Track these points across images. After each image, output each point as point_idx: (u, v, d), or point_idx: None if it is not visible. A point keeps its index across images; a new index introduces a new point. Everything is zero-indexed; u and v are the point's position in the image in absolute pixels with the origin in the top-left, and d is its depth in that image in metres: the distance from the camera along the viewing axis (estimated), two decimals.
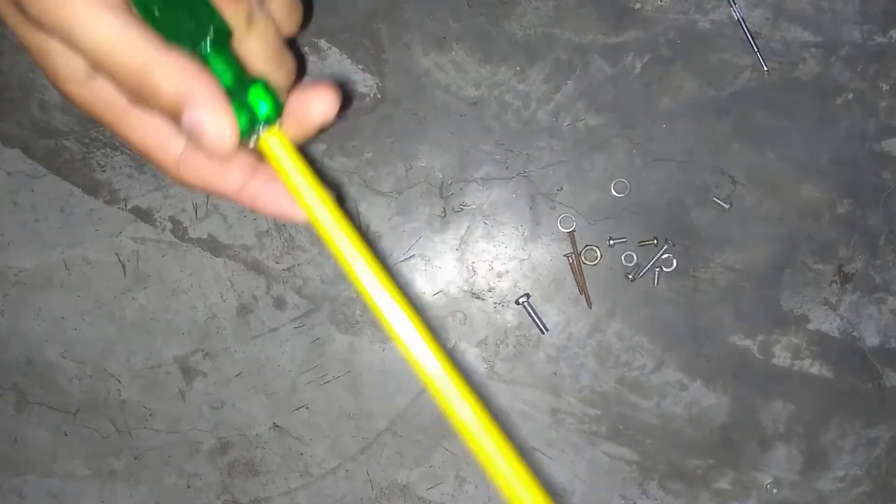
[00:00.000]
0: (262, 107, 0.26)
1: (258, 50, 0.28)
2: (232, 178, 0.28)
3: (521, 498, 0.23)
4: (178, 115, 0.25)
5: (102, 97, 0.27)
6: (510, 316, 0.52)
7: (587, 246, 0.51)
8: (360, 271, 0.25)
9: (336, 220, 0.25)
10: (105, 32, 0.24)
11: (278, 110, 0.26)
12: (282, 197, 0.28)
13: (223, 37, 0.26)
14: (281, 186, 0.27)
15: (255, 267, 0.51)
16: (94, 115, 0.28)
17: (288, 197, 0.28)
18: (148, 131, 0.28)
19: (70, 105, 0.50)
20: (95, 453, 0.52)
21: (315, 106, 0.27)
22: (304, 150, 0.28)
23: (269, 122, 0.26)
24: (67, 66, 0.26)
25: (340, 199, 0.50)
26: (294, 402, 0.52)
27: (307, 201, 0.26)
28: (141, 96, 0.25)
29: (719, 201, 0.51)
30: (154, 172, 0.51)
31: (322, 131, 0.28)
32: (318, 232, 0.26)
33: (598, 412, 0.52)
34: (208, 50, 0.26)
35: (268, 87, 0.26)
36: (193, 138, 0.25)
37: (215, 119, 0.24)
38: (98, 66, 0.25)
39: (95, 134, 0.51)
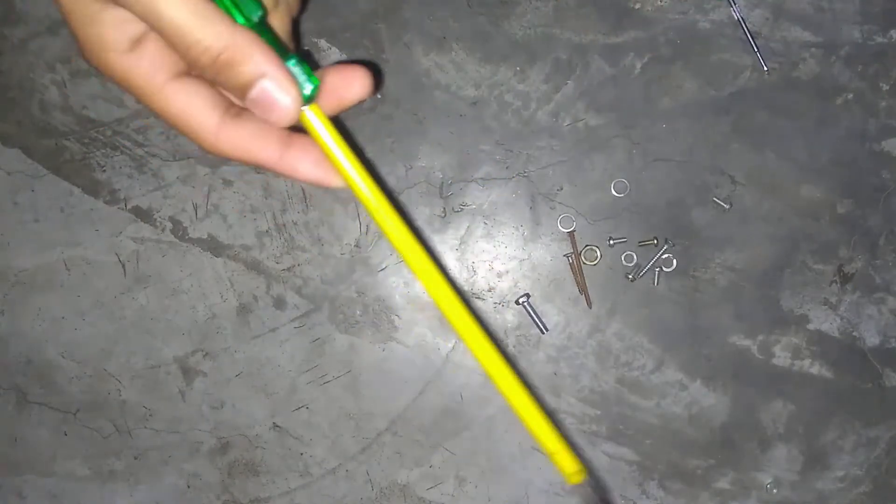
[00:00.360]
0: (308, 85, 0.28)
1: (277, 28, 0.30)
2: (271, 148, 0.31)
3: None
4: (246, 87, 0.27)
5: (143, 68, 0.28)
6: (510, 316, 0.52)
7: (587, 246, 0.51)
8: (391, 230, 0.30)
9: (369, 185, 0.29)
10: (186, 9, 0.25)
11: (318, 88, 0.29)
12: (316, 165, 0.31)
13: (265, 15, 0.28)
14: (315, 155, 0.30)
15: (255, 267, 0.51)
16: (129, 87, 0.29)
17: (323, 165, 0.31)
18: (187, 103, 0.29)
19: (70, 105, 0.51)
20: (95, 453, 0.52)
21: (355, 85, 0.30)
22: (336, 120, 0.31)
23: (312, 98, 0.29)
24: (113, 35, 0.27)
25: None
26: (294, 402, 0.52)
27: (345, 169, 0.29)
28: (213, 69, 0.27)
29: (719, 201, 0.51)
30: (154, 172, 0.51)
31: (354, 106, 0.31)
32: (354, 194, 0.29)
33: (598, 412, 0.52)
34: (260, 26, 0.28)
35: (308, 66, 0.28)
36: (260, 109, 0.27)
37: (285, 93, 0.27)
38: (174, 41, 0.26)
39: (95, 134, 0.51)
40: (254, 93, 0.27)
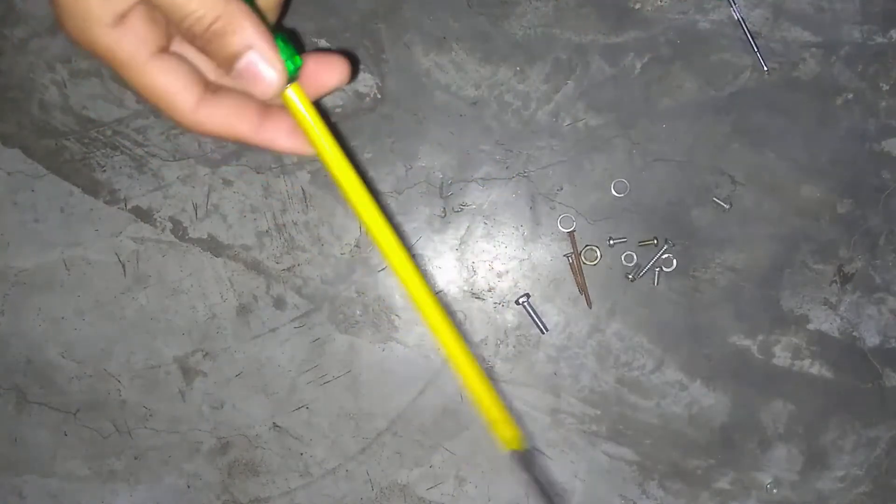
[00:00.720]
0: (292, 64, 0.29)
1: (267, 2, 0.31)
2: (249, 122, 0.32)
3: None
4: (233, 58, 0.27)
5: (127, 43, 0.28)
6: (510, 316, 0.52)
7: (587, 246, 0.51)
8: (355, 197, 0.32)
9: (341, 163, 0.31)
10: None
11: (300, 67, 0.30)
12: (291, 135, 0.32)
13: None
14: (290, 126, 0.32)
15: (255, 267, 0.51)
16: (112, 61, 0.29)
17: (296, 134, 0.32)
18: (168, 79, 0.30)
19: (70, 105, 0.51)
20: (95, 453, 0.52)
21: (335, 73, 0.32)
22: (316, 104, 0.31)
23: (294, 77, 0.29)
24: (100, 9, 0.27)
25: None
26: (294, 402, 0.52)
27: (321, 146, 0.30)
28: (204, 38, 0.27)
29: (719, 201, 0.51)
30: (154, 172, 0.51)
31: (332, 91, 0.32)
32: (326, 167, 0.31)
33: (598, 412, 0.52)
34: (250, 1, 0.28)
35: (293, 46, 0.29)
36: (245, 80, 0.28)
37: (271, 66, 0.28)
38: (168, 10, 0.27)
39: (95, 134, 0.51)
40: (240, 64, 0.27)
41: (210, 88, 0.31)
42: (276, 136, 0.32)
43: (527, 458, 0.37)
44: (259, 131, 0.32)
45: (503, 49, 0.50)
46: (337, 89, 0.32)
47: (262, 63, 0.27)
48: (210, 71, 0.32)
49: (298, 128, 0.31)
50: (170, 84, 0.30)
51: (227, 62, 0.28)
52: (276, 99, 0.29)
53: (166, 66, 0.30)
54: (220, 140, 0.39)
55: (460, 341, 0.33)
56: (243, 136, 0.32)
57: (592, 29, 0.50)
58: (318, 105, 0.50)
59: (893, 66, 0.51)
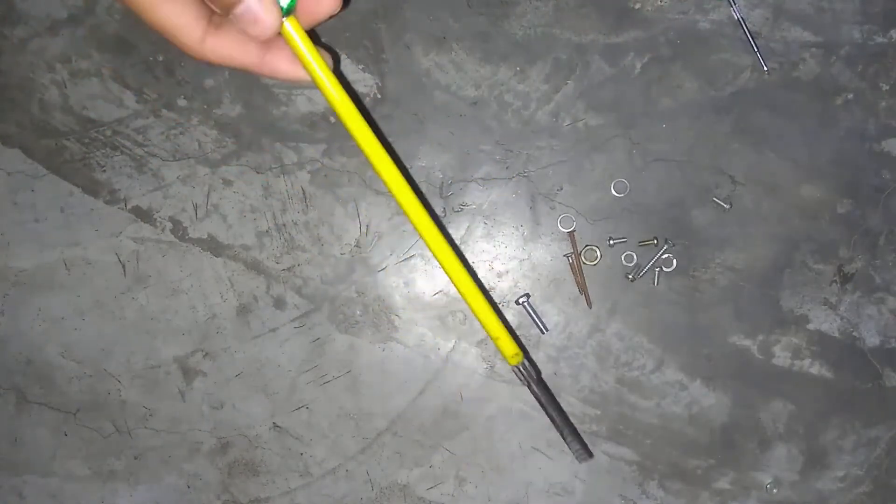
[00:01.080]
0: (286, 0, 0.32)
1: None
2: (252, 52, 0.35)
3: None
4: (231, 5, 0.31)
5: None
6: (510, 316, 0.52)
7: (587, 246, 0.51)
8: (348, 117, 0.34)
9: (337, 90, 0.34)
10: None
11: (295, 2, 0.33)
12: (293, 63, 0.35)
13: None
14: (290, 56, 0.35)
15: (255, 267, 0.51)
16: (127, 0, 0.33)
17: (297, 64, 0.35)
18: (176, 14, 0.33)
19: (70, 105, 0.51)
20: (95, 453, 0.52)
21: (327, 2, 0.34)
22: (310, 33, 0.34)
23: (290, 12, 0.32)
24: None
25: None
26: (294, 402, 0.52)
27: (316, 74, 0.33)
28: None
29: (719, 201, 0.51)
30: (154, 172, 0.51)
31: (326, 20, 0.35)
32: (324, 96, 0.34)
33: (598, 412, 0.52)
34: None
35: None
36: (243, 23, 0.31)
37: (267, 12, 0.31)
38: None
39: (95, 134, 0.51)
40: (238, 10, 0.31)
41: (214, 22, 0.34)
42: (278, 64, 0.35)
43: (527, 372, 0.42)
44: (262, 61, 0.35)
45: (503, 49, 0.50)
46: (329, 18, 0.36)
47: (258, 9, 0.31)
48: (215, 6, 0.36)
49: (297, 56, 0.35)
50: (177, 18, 0.33)
51: (227, 8, 0.31)
52: (272, 37, 0.33)
53: (174, 3, 0.33)
54: (228, 68, 0.42)
55: (461, 263, 0.36)
56: (248, 65, 0.35)
57: (592, 29, 0.50)
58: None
59: (893, 66, 0.51)
